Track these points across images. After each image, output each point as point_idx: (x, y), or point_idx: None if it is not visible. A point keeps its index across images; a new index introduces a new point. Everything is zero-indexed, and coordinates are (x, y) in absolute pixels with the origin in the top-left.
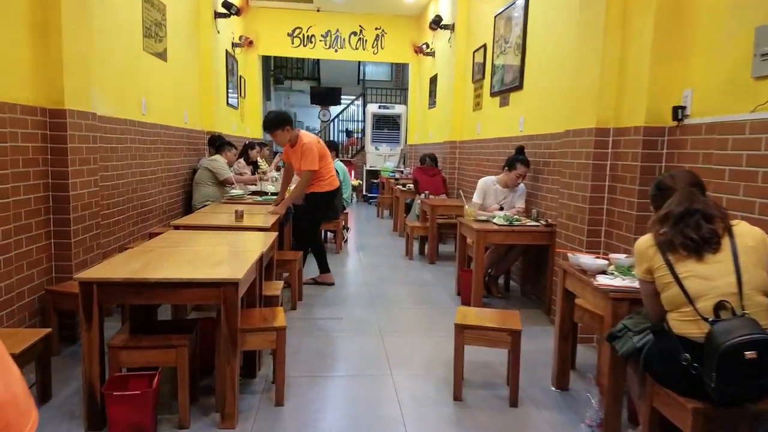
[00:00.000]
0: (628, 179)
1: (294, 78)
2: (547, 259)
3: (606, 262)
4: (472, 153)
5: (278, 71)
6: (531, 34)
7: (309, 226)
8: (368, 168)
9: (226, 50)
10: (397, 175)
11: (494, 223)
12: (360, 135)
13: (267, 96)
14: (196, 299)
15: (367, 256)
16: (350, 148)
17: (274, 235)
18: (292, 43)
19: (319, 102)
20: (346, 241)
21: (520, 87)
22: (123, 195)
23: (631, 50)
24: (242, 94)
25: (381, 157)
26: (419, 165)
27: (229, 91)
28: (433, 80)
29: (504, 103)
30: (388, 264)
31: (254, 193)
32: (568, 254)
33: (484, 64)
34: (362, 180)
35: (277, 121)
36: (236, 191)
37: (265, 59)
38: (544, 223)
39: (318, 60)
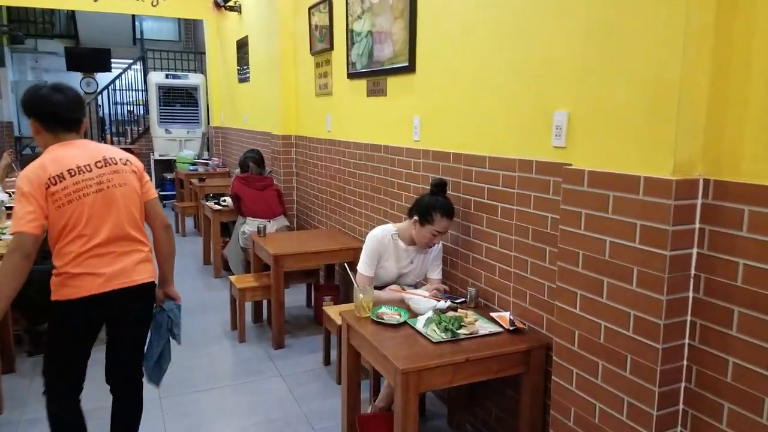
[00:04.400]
0: None
1: (41, 36)
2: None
3: None
4: (321, 157)
5: (16, 26)
6: None
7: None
8: (157, 157)
9: None
10: (201, 169)
11: (425, 336)
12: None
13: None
14: None
15: None
16: (128, 130)
17: None
18: None
19: (79, 68)
20: None
21: (409, 69)
22: None
23: (758, 11)
24: None
25: (175, 143)
26: (239, 173)
27: None
28: (243, 44)
29: (376, 91)
30: (205, 357)
31: None
32: None
33: (331, 27)
34: (150, 174)
35: None
36: None
37: None
38: (509, 326)
39: (74, 12)
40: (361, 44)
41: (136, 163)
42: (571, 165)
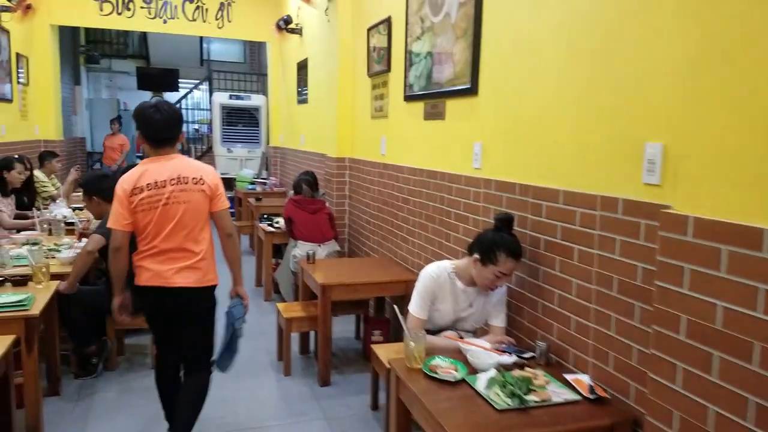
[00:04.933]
0: None
1: (115, 56)
2: None
3: None
4: (373, 181)
5: (92, 47)
6: None
7: None
8: (220, 176)
9: None
10: (259, 188)
11: (487, 400)
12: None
13: (75, 79)
14: None
15: None
16: (192, 148)
17: None
18: (101, 10)
19: (149, 87)
20: None
21: (471, 91)
22: None
23: None
24: (23, 80)
25: (236, 162)
26: (293, 194)
27: None
28: (303, 66)
29: (434, 114)
30: (248, 390)
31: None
32: None
33: (389, 48)
34: None
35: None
36: None
37: (70, 31)
38: (588, 394)
39: (145, 33)
40: (420, 65)
41: (210, 180)
42: (670, 208)
